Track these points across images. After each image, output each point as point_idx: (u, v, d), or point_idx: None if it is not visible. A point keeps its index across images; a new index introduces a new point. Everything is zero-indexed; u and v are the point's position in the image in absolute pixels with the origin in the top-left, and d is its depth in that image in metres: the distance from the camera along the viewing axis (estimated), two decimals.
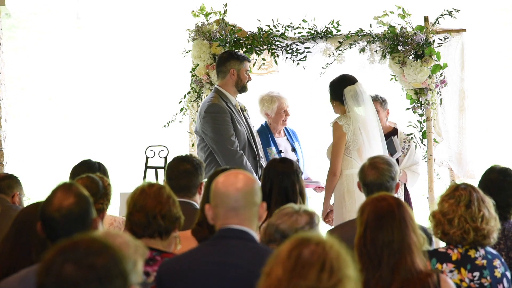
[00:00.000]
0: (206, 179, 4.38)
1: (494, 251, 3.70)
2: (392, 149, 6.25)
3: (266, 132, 6.49)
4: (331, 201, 5.98)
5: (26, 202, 5.08)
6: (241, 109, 6.02)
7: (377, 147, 5.86)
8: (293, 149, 6.56)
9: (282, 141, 6.56)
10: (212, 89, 6.38)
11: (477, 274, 3.59)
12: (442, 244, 3.81)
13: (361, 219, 3.24)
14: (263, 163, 5.99)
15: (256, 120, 6.59)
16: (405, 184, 6.39)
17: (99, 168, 4.81)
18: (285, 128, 6.65)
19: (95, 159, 4.96)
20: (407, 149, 6.44)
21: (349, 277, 2.19)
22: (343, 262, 2.20)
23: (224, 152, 5.77)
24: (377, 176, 4.23)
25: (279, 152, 6.44)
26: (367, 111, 5.91)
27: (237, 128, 5.84)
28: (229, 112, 5.82)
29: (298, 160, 6.49)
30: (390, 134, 6.39)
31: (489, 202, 3.67)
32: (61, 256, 2.05)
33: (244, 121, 5.99)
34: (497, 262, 3.63)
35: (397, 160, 6.27)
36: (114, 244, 2.12)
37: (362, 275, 3.17)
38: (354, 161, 5.78)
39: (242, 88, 5.96)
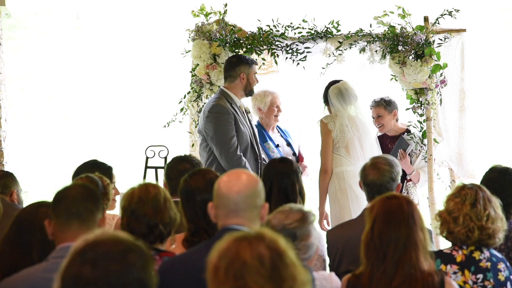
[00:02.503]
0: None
1: (499, 255, 3.69)
2: (404, 145, 6.31)
3: (260, 129, 6.53)
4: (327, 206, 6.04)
5: (24, 195, 5.08)
6: (245, 111, 6.06)
7: (370, 146, 5.93)
8: (288, 144, 6.58)
9: (276, 137, 6.59)
10: (212, 89, 6.40)
11: (480, 276, 3.59)
12: (443, 245, 3.81)
13: (370, 216, 3.26)
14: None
15: (253, 121, 6.61)
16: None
17: (109, 169, 4.83)
18: (278, 127, 6.68)
19: (95, 160, 4.95)
20: (419, 150, 6.46)
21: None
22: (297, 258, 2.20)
23: (223, 153, 5.79)
24: (377, 177, 4.23)
25: (276, 146, 6.48)
26: (357, 109, 6.01)
27: (240, 129, 5.87)
28: (232, 113, 5.85)
29: (294, 154, 6.53)
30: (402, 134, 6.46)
31: (496, 202, 3.67)
32: (82, 255, 2.08)
33: (248, 123, 6.02)
34: (501, 266, 3.62)
35: (410, 154, 6.34)
36: (138, 249, 2.10)
37: (367, 270, 3.19)
38: (344, 159, 5.90)
39: (250, 92, 6.06)
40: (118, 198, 4.67)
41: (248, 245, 2.14)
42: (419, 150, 6.46)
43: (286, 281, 2.12)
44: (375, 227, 3.20)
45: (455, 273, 3.60)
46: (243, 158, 5.82)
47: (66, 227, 3.10)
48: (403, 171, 6.02)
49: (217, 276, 2.13)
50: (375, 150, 5.98)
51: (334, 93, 6.02)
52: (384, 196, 3.31)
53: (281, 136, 6.65)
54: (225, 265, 2.12)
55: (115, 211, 4.84)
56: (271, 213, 3.48)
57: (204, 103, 6.48)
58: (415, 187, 6.38)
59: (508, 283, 3.60)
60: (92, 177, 4.18)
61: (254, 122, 6.61)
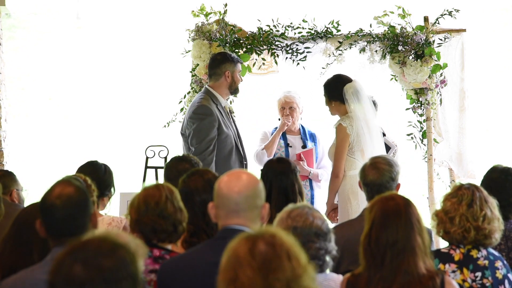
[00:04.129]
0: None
1: (496, 253, 3.70)
2: (386, 148, 6.27)
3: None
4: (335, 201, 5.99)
5: (24, 193, 5.05)
6: (229, 111, 6.04)
7: (379, 144, 5.87)
8: (304, 147, 6.57)
9: (293, 139, 6.59)
10: None
11: (479, 274, 3.60)
12: (443, 244, 3.81)
13: (368, 217, 3.25)
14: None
15: (251, 119, 6.60)
16: None
17: (105, 170, 4.79)
18: (303, 127, 6.66)
19: (96, 160, 4.93)
20: (393, 154, 6.44)
21: (308, 262, 2.21)
22: (298, 247, 2.23)
23: (196, 153, 5.76)
24: (377, 176, 4.23)
25: (287, 145, 6.49)
26: (367, 108, 5.91)
27: (223, 131, 5.84)
28: (216, 115, 5.82)
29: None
30: None
31: (493, 202, 3.68)
32: (70, 255, 2.08)
33: (232, 124, 6.01)
34: (499, 264, 3.64)
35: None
36: (125, 245, 2.13)
37: (365, 273, 3.18)
38: (358, 162, 5.76)
39: (235, 90, 6.03)
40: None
41: (245, 241, 2.20)
42: (393, 154, 6.43)
43: (275, 272, 2.14)
44: (373, 231, 3.18)
45: (453, 271, 3.61)
46: (213, 165, 5.76)
47: (58, 238, 3.07)
48: None
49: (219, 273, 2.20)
50: (383, 151, 5.90)
51: (351, 92, 5.83)
52: (383, 196, 3.29)
53: (301, 138, 6.63)
54: (224, 261, 2.19)
55: (113, 213, 4.83)
56: (293, 219, 3.40)
57: None
58: None
59: (506, 281, 3.61)
60: (76, 178, 4.06)
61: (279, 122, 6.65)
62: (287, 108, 6.57)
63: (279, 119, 6.65)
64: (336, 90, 5.89)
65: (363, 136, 5.80)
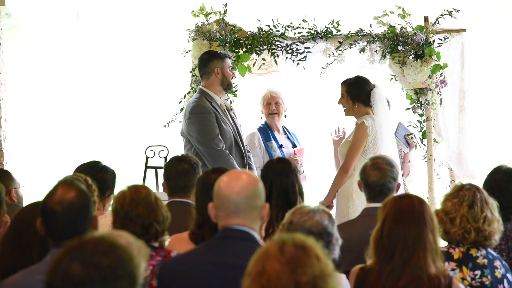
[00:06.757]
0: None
1: (494, 253, 3.72)
2: (405, 130, 6.32)
3: (266, 129, 6.54)
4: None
5: (22, 190, 5.03)
6: (227, 108, 6.05)
7: (393, 150, 5.88)
8: (294, 146, 6.58)
9: (282, 138, 6.58)
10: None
11: (478, 272, 3.61)
12: (442, 243, 3.82)
13: (381, 214, 3.28)
14: (251, 162, 6.04)
15: (251, 119, 6.59)
16: None
17: (106, 171, 4.76)
18: (286, 129, 6.66)
19: (99, 160, 4.90)
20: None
21: (334, 271, 2.25)
22: (326, 256, 2.28)
23: (210, 152, 5.77)
24: (380, 177, 4.25)
25: (280, 146, 6.48)
26: (387, 114, 5.96)
27: (222, 127, 5.87)
28: (213, 112, 5.85)
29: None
30: None
31: (493, 204, 3.69)
32: (68, 255, 2.09)
33: (230, 120, 6.01)
34: (497, 263, 3.65)
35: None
36: (122, 244, 2.14)
37: (376, 267, 3.20)
38: None
39: (228, 86, 6.02)
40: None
41: (276, 241, 2.27)
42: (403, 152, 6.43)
43: (303, 267, 2.19)
44: (385, 225, 3.23)
45: (453, 269, 3.63)
46: (230, 155, 5.80)
47: (58, 241, 3.06)
48: None
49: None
50: (395, 156, 5.89)
51: (377, 96, 5.92)
52: (397, 195, 3.36)
53: (288, 138, 6.63)
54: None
55: None
56: (292, 215, 3.41)
57: None
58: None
59: (505, 280, 3.62)
60: (76, 178, 4.03)
61: (262, 121, 6.62)
62: (273, 103, 6.55)
63: (262, 118, 6.60)
64: (363, 91, 5.97)
65: (380, 141, 5.84)
